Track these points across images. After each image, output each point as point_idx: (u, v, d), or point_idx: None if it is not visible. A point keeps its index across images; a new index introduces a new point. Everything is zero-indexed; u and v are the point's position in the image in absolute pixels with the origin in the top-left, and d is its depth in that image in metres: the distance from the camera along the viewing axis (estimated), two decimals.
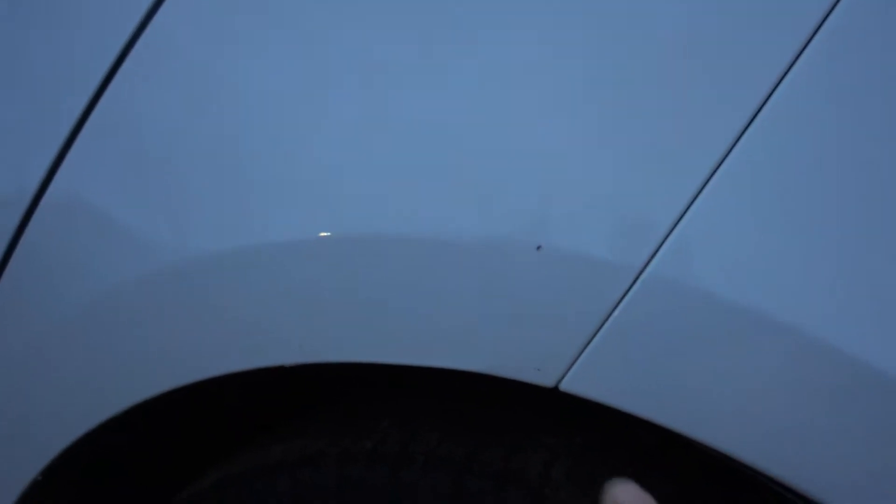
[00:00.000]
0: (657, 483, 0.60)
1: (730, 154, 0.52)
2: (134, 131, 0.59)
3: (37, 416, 0.66)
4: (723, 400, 0.53)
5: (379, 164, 0.53)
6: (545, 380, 0.53)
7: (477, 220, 0.51)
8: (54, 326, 0.62)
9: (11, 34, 0.61)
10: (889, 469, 0.51)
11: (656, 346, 0.52)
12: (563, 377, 0.53)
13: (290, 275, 0.56)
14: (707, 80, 0.52)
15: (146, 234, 0.59)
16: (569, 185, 0.52)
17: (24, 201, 0.60)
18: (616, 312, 0.52)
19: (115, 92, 0.58)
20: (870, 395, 0.50)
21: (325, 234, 0.54)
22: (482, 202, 0.52)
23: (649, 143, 0.52)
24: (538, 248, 0.51)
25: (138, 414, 0.66)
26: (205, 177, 0.57)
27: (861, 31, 0.52)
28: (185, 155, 0.57)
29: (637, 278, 0.52)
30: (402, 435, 0.63)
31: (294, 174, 0.55)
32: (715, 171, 0.52)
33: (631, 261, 0.52)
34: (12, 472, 0.69)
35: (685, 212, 0.52)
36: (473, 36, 0.52)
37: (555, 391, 0.54)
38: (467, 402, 0.67)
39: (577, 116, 0.52)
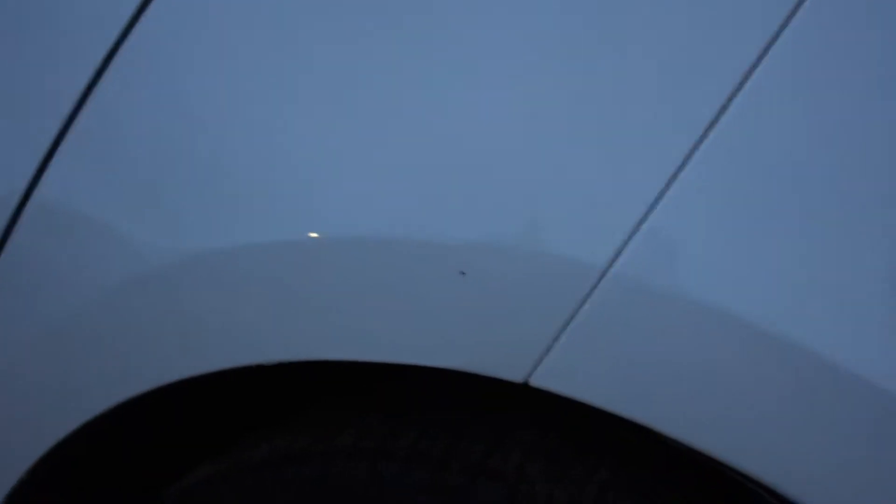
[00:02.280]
0: (633, 479, 0.60)
1: (697, 151, 0.53)
2: (118, 134, 0.60)
3: (16, 421, 0.68)
4: (691, 395, 0.54)
5: (347, 165, 0.54)
6: (515, 375, 0.54)
7: (447, 219, 0.53)
8: (38, 330, 0.64)
9: None
10: (849, 461, 0.52)
11: (624, 342, 0.53)
12: (532, 373, 0.54)
13: (270, 275, 0.57)
14: (673, 78, 0.53)
15: (130, 237, 0.60)
16: (534, 182, 0.53)
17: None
18: (582, 310, 0.53)
19: (100, 95, 0.60)
20: (831, 392, 0.51)
21: (314, 234, 0.56)
22: (453, 201, 0.53)
23: (617, 141, 0.53)
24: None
25: (123, 413, 0.67)
26: (188, 179, 0.58)
27: (832, 24, 0.52)
28: (169, 157, 0.59)
29: (603, 276, 0.53)
30: (382, 431, 0.64)
31: (275, 176, 0.56)
32: (682, 169, 0.53)
33: (596, 258, 0.53)
34: None
35: (652, 209, 0.53)
36: (438, 30, 0.54)
37: (526, 387, 0.55)
38: (446, 399, 0.68)
39: (541, 112, 0.53)
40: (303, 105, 0.56)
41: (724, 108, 0.53)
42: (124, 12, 0.59)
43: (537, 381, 0.54)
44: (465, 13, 0.55)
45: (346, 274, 0.55)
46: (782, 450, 0.53)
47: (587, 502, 0.58)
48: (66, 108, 0.61)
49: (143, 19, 0.59)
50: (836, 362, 0.50)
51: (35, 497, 0.73)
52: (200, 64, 0.59)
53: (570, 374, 0.54)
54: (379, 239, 0.54)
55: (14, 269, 0.64)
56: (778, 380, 0.52)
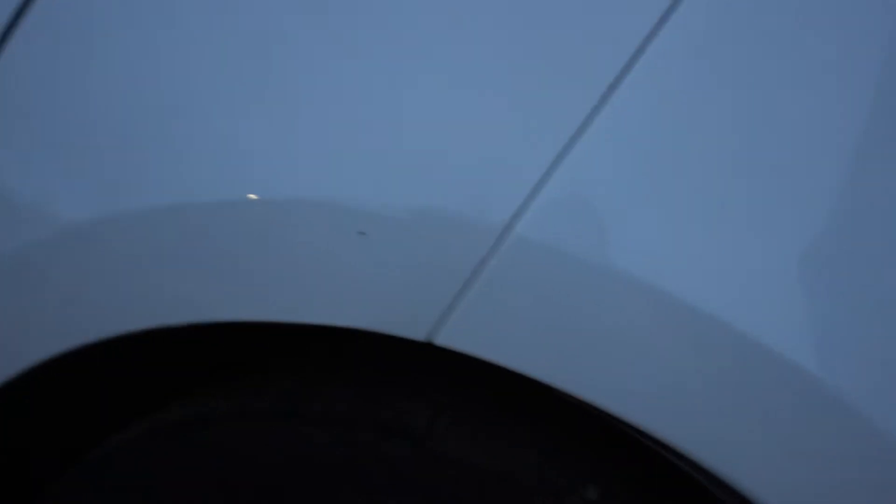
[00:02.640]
0: (539, 435, 0.62)
1: (600, 111, 0.53)
2: (34, 90, 0.59)
3: None
4: (592, 355, 0.55)
5: (244, 124, 0.53)
6: (418, 334, 0.55)
7: (345, 179, 0.52)
8: None
9: None
10: (756, 423, 0.53)
11: (526, 302, 0.54)
12: (435, 332, 0.55)
13: (171, 238, 0.56)
14: (575, 38, 0.53)
15: (50, 196, 0.59)
16: (435, 141, 0.53)
17: None
18: (484, 270, 0.53)
19: (12, 49, 0.59)
20: (728, 353, 0.52)
21: (214, 196, 0.55)
22: (352, 161, 0.53)
23: (519, 99, 0.53)
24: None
25: (42, 378, 0.67)
26: (107, 136, 0.58)
27: None
28: (90, 114, 0.58)
29: (504, 236, 0.53)
30: (298, 393, 0.64)
31: (174, 138, 0.56)
32: (584, 130, 0.53)
33: (497, 218, 0.53)
34: None
35: (551, 171, 0.53)
36: None
37: (431, 346, 0.55)
38: (370, 360, 0.68)
39: (441, 71, 0.53)
40: (195, 64, 0.55)
41: (626, 69, 0.53)
42: None
43: (442, 340, 0.55)
44: None
45: (246, 235, 0.54)
46: (680, 408, 0.54)
47: (495, 459, 0.59)
48: None
49: None
50: (729, 320, 0.52)
51: None
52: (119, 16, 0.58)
53: (473, 334, 0.55)
54: (278, 199, 0.53)
55: None
56: (676, 341, 0.53)
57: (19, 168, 0.61)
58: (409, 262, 0.53)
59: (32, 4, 0.59)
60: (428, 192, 0.53)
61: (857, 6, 0.53)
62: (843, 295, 0.52)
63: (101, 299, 0.60)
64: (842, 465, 0.52)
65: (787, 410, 0.53)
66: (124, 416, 0.75)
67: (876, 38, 0.53)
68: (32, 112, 0.60)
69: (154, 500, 0.65)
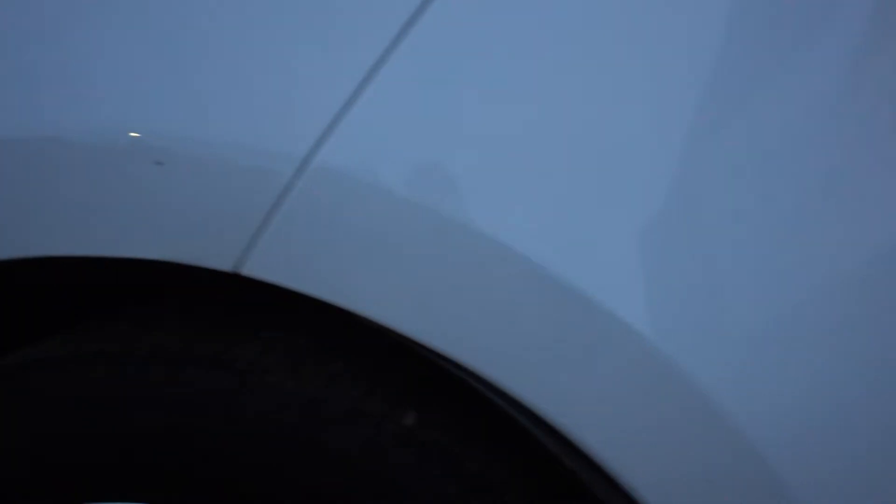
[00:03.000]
0: (360, 368, 0.64)
1: (397, 46, 0.55)
2: None
3: None
4: (400, 284, 0.57)
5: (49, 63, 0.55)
6: (224, 265, 0.57)
7: (139, 109, 0.54)
8: None
9: None
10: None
11: (326, 232, 0.56)
12: (241, 263, 0.57)
13: None
14: None
15: None
16: (235, 70, 0.55)
17: None
18: (284, 200, 0.55)
19: None
20: (506, 268, 0.55)
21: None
22: (149, 91, 0.55)
23: (315, 35, 0.55)
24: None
25: None
26: None
27: None
28: None
29: (304, 166, 0.55)
30: (128, 334, 0.66)
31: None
32: (382, 63, 0.56)
33: (297, 148, 0.55)
34: None
35: (351, 103, 0.56)
36: None
37: (238, 276, 0.57)
38: (206, 300, 0.70)
39: (240, 10, 0.55)
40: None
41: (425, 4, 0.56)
42: None
43: (249, 270, 0.57)
44: None
45: (50, 169, 0.56)
46: (481, 334, 0.56)
47: (313, 389, 0.61)
48: None
49: None
50: (511, 244, 0.54)
51: None
52: None
53: (279, 263, 0.57)
54: (76, 135, 0.55)
55: None
56: (462, 264, 0.55)
57: None
58: (213, 194, 0.56)
59: None
60: (228, 124, 0.55)
61: None
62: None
63: None
64: (602, 372, 0.55)
65: (538, 316, 0.56)
66: None
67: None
68: None
69: None
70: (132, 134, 0.54)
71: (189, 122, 0.54)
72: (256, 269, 0.57)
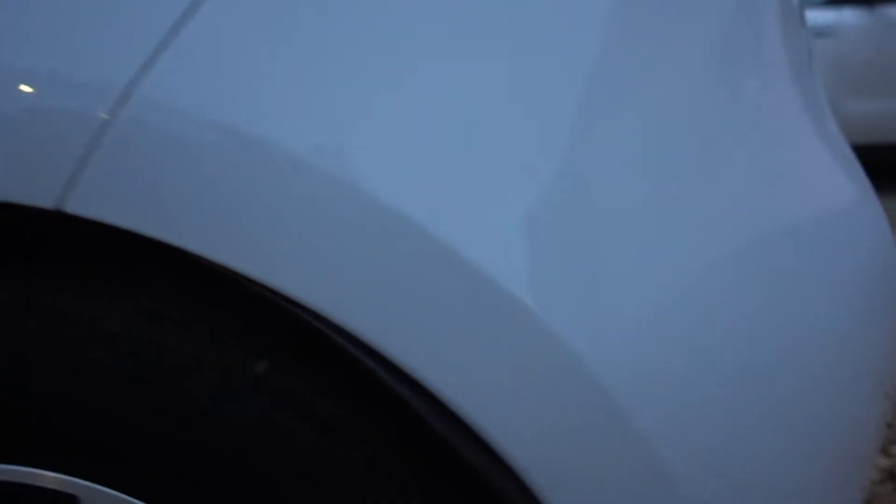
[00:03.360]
0: (214, 321, 0.61)
1: None
2: None
3: None
4: (243, 225, 0.54)
5: None
6: (45, 202, 0.53)
7: None
8: None
9: None
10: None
11: (158, 167, 0.53)
12: (63, 200, 0.53)
13: None
14: None
15: None
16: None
17: None
18: (105, 133, 0.52)
19: None
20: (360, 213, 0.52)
21: None
22: None
23: None
24: None
25: None
26: None
27: None
28: None
29: (127, 97, 0.52)
30: None
31: None
32: None
33: (118, 77, 0.52)
34: None
35: (175, 31, 0.53)
36: None
37: (61, 213, 0.54)
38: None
39: None
40: None
41: None
42: None
43: (72, 208, 0.54)
44: None
45: None
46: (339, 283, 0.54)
47: (158, 334, 0.58)
48: None
49: None
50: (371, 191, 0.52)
51: None
52: None
53: (103, 200, 0.53)
54: None
55: None
56: (308, 206, 0.53)
57: None
58: (28, 129, 0.52)
59: None
60: (41, 53, 0.52)
61: None
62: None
63: None
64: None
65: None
66: None
67: None
68: None
69: None
70: None
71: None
72: (79, 206, 0.54)
